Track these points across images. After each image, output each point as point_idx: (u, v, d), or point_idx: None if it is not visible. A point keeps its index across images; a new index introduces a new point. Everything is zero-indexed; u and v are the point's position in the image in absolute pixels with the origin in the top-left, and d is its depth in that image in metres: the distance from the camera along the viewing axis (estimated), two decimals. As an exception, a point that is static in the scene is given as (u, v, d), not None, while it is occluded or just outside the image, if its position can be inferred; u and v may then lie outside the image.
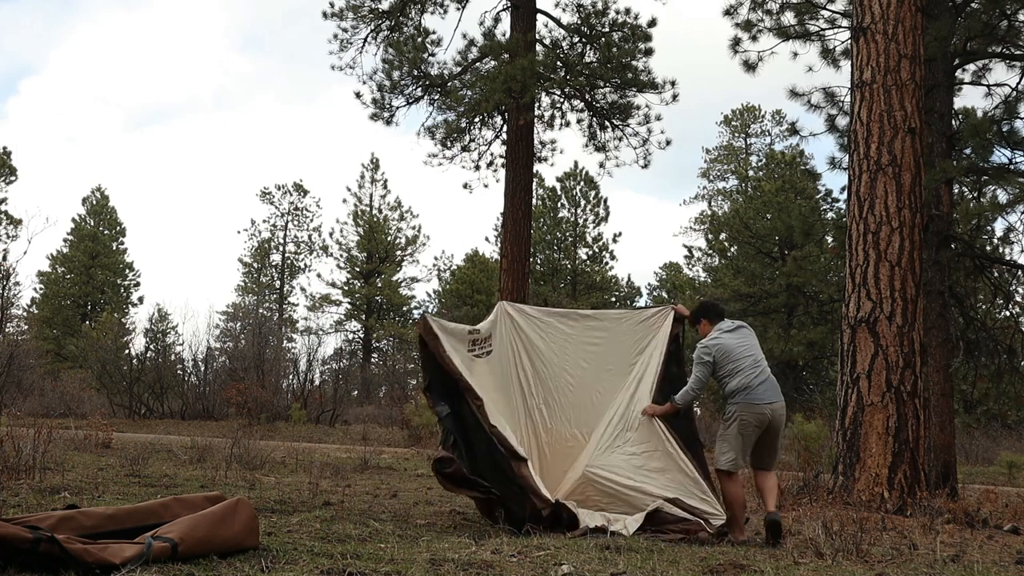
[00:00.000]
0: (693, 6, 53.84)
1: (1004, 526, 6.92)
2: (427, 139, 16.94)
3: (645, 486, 5.66)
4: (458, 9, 17.17)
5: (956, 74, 12.76)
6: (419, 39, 16.58)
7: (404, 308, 40.70)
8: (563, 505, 5.38)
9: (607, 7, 16.19)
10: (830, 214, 26.80)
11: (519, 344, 6.48)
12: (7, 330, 35.72)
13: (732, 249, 30.68)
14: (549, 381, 6.43)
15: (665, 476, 5.69)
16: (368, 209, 40.20)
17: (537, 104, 16.28)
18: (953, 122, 12.69)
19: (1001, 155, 11.84)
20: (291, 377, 27.55)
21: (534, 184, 20.00)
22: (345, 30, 17.10)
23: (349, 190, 41.29)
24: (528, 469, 5.45)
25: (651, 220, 64.63)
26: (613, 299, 36.43)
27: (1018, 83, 12.28)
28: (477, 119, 16.55)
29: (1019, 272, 13.30)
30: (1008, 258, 13.81)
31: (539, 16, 16.44)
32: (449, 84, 16.24)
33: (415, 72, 16.20)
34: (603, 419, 6.13)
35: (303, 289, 42.15)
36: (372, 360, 39.62)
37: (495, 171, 17.48)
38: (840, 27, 13.46)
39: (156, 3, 66.07)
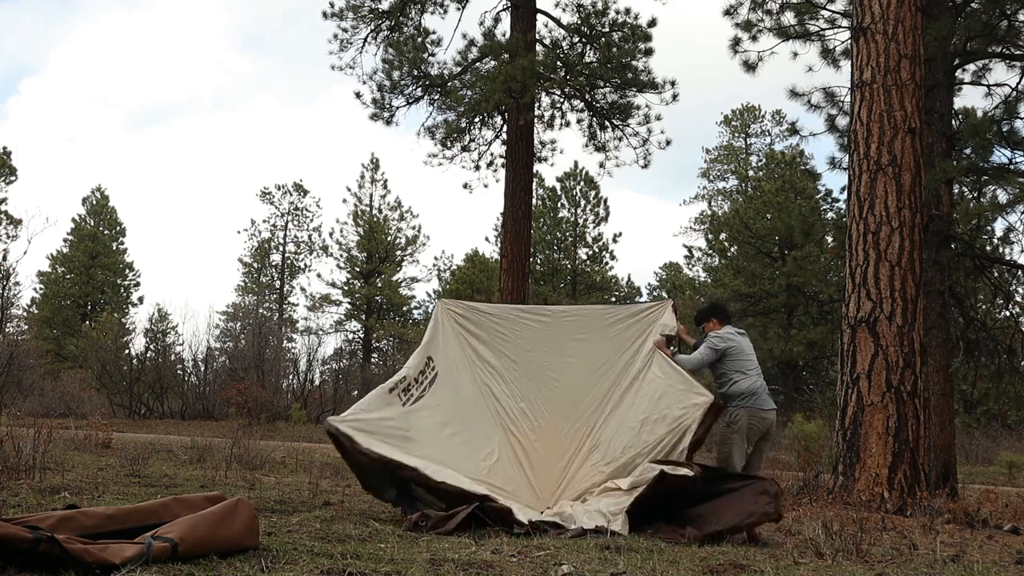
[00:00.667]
0: (693, 6, 53.89)
1: (1004, 526, 6.91)
2: (427, 139, 16.97)
3: (646, 435, 5.70)
4: (458, 9, 17.19)
5: (956, 74, 12.75)
6: (419, 39, 16.58)
7: (404, 308, 40.70)
8: (540, 523, 5.20)
9: (607, 7, 16.20)
10: (830, 214, 26.83)
11: (477, 345, 6.34)
12: (7, 330, 35.72)
13: (732, 249, 30.70)
14: (527, 379, 6.32)
15: (663, 400, 5.74)
16: (368, 209, 40.19)
17: (537, 104, 16.28)
18: (953, 122, 12.69)
19: (1001, 155, 11.86)
20: (291, 377, 27.59)
21: (534, 184, 20.00)
22: (345, 30, 17.11)
23: (349, 190, 41.29)
24: (496, 501, 5.23)
25: (651, 220, 64.70)
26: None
27: (1018, 83, 12.29)
28: (477, 119, 16.55)
29: (1019, 272, 13.30)
30: (1008, 258, 13.82)
31: (539, 16, 16.44)
32: (449, 84, 16.23)
33: (415, 72, 16.20)
34: (603, 411, 6.11)
35: (303, 289, 42.16)
36: (372, 360, 39.58)
37: (495, 171, 17.49)
38: (840, 27, 13.47)
39: (156, 3, 66.13)
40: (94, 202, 42.23)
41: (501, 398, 6.28)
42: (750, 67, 13.85)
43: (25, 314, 40.41)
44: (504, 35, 16.49)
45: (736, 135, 43.71)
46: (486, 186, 17.97)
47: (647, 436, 5.69)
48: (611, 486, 5.63)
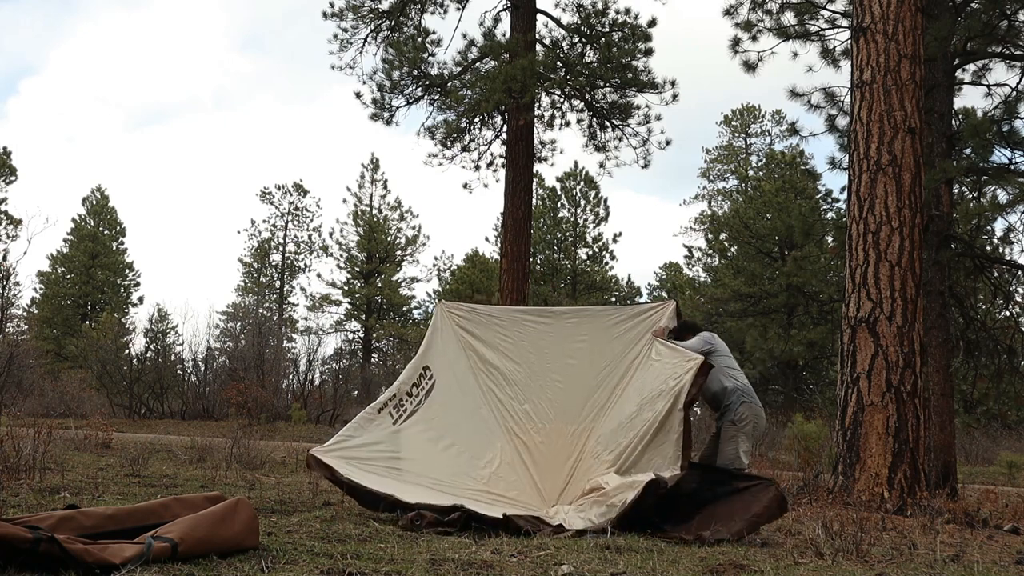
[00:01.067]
0: (693, 6, 53.91)
1: (1004, 526, 6.91)
2: (427, 139, 16.98)
3: (645, 412, 5.61)
4: (458, 9, 17.19)
5: (956, 74, 12.76)
6: (419, 39, 16.59)
7: (404, 308, 40.73)
8: (517, 516, 5.12)
9: (607, 7, 16.21)
10: (830, 214, 26.86)
11: (479, 347, 6.31)
12: (7, 330, 35.72)
13: (732, 249, 30.72)
14: (531, 381, 6.30)
15: (659, 378, 5.65)
16: (368, 209, 40.20)
17: (537, 104, 16.28)
18: (953, 122, 12.69)
19: (1001, 155, 11.87)
20: (291, 377, 27.58)
21: (534, 184, 20.01)
22: (345, 30, 17.12)
23: (349, 190, 41.33)
24: (469, 509, 5.11)
25: (651, 220, 64.76)
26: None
27: (1018, 83, 12.30)
28: (477, 119, 16.55)
29: (1019, 272, 13.31)
30: (1008, 258, 13.82)
31: (539, 16, 16.45)
32: (449, 84, 16.24)
33: (415, 72, 16.20)
34: (607, 410, 6.10)
35: (303, 289, 42.21)
36: (372, 360, 39.61)
37: (495, 171, 17.50)
38: (840, 27, 13.47)
39: (156, 3, 66.13)
40: (94, 202, 42.25)
41: (505, 400, 6.26)
42: (750, 67, 13.86)
43: (25, 314, 40.45)
44: (504, 35, 16.50)
45: (736, 135, 43.74)
46: (486, 186, 18.00)
47: (646, 414, 5.61)
48: (604, 485, 5.59)
